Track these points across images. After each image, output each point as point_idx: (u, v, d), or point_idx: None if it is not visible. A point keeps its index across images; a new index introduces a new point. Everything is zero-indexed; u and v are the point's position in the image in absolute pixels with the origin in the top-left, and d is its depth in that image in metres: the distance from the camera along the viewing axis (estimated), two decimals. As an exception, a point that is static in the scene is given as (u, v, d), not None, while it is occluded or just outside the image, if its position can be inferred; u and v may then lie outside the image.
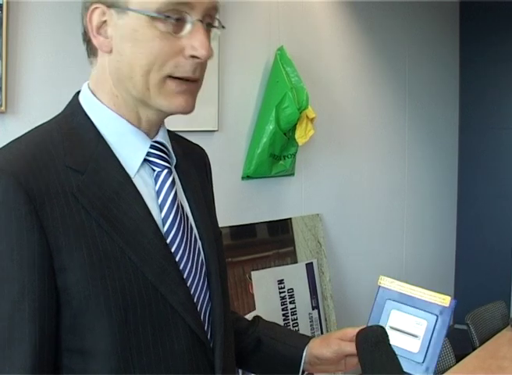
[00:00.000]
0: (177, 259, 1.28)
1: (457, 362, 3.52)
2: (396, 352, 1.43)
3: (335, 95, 4.77)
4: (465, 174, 6.54)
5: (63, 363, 1.19)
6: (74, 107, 1.29)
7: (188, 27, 1.21)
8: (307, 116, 4.01)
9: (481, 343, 3.85)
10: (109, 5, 1.21)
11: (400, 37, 5.52)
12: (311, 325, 4.24)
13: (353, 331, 1.52)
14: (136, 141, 1.28)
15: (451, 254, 6.52)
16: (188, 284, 1.29)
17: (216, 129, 3.68)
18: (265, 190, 4.19)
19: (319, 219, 4.58)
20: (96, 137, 1.24)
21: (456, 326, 6.09)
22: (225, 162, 3.85)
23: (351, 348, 1.49)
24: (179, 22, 1.21)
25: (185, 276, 1.28)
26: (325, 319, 4.40)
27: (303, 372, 1.59)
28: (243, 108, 3.90)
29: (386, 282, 1.58)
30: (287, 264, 4.25)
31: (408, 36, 5.62)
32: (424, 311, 1.52)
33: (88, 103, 1.28)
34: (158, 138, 1.32)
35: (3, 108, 2.67)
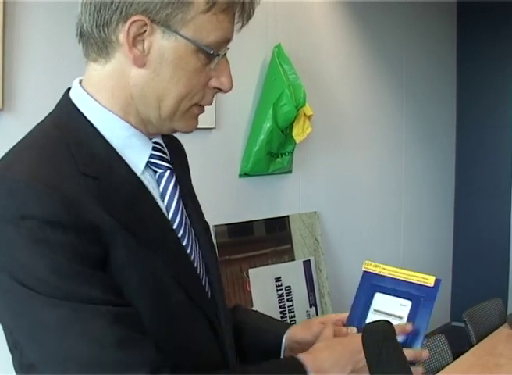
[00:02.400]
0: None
1: (454, 359, 3.52)
2: None
3: (332, 93, 4.77)
4: (462, 171, 6.55)
5: None
6: (69, 108, 1.26)
7: (217, 60, 1.23)
8: (304, 114, 4.01)
9: (478, 340, 3.85)
10: (157, 22, 1.17)
11: (397, 35, 5.53)
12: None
13: (335, 316, 1.56)
14: (140, 144, 1.27)
15: (448, 251, 6.53)
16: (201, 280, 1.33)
17: (213, 126, 3.68)
18: (263, 187, 4.19)
19: (317, 216, 4.58)
20: (103, 143, 1.23)
21: (454, 323, 6.13)
22: (222, 159, 3.86)
23: (332, 331, 1.49)
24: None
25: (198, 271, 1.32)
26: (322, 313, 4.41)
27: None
28: (241, 105, 3.90)
29: (370, 266, 1.55)
30: (284, 262, 4.26)
31: (406, 35, 5.63)
32: (409, 292, 1.51)
33: (85, 105, 1.25)
34: (156, 139, 1.32)
35: (0, 105, 2.67)
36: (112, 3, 1.17)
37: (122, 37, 1.18)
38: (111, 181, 1.19)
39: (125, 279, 1.15)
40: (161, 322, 1.20)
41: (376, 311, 1.50)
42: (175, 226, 1.29)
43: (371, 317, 1.49)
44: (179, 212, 1.30)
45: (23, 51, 2.79)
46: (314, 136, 4.33)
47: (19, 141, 1.24)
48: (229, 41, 1.24)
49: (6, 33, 2.69)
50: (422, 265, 5.72)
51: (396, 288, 1.52)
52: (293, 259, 4.32)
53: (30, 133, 1.25)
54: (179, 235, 1.29)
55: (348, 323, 1.50)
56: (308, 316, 4.29)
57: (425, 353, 1.43)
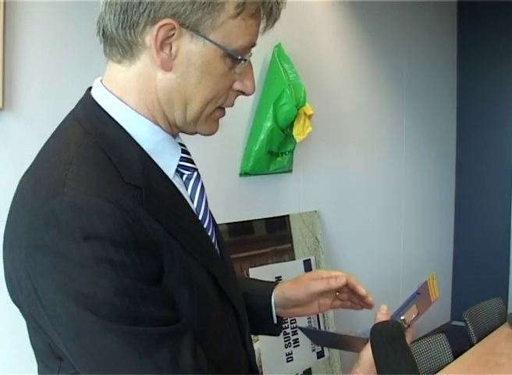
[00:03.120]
0: None
1: (455, 358, 3.53)
2: None
3: (333, 92, 4.77)
4: (462, 171, 6.56)
5: None
6: (96, 111, 1.22)
7: (242, 65, 1.24)
8: (304, 113, 4.01)
9: (479, 339, 3.87)
10: (186, 26, 1.16)
11: (398, 35, 5.53)
12: (308, 321, 4.24)
13: (326, 272, 1.61)
14: (171, 148, 1.27)
15: (449, 251, 6.53)
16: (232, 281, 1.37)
17: (214, 126, 3.68)
18: (263, 187, 4.19)
19: (317, 216, 4.58)
20: (135, 147, 1.20)
21: (454, 322, 6.13)
22: (222, 158, 3.85)
23: (323, 286, 1.55)
24: None
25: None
26: (323, 316, 4.41)
27: (278, 318, 1.62)
28: (241, 104, 3.87)
29: (431, 282, 1.65)
30: (285, 261, 4.25)
31: (406, 34, 5.63)
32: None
33: (114, 107, 1.22)
34: (179, 139, 1.32)
35: (0, 105, 2.67)
36: (139, 4, 1.15)
37: (149, 39, 1.16)
38: (151, 189, 1.17)
39: (176, 289, 1.14)
40: (203, 322, 1.20)
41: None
42: (205, 227, 1.30)
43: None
44: (208, 213, 1.32)
45: (24, 50, 2.78)
46: (315, 135, 4.33)
47: (48, 150, 1.21)
48: (254, 44, 1.25)
49: (7, 33, 2.68)
50: (422, 263, 5.72)
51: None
52: (294, 259, 4.32)
53: (58, 140, 1.22)
54: (209, 235, 1.31)
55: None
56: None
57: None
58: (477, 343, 3.82)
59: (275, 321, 1.62)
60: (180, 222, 1.20)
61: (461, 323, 4.09)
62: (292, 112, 3.88)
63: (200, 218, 1.29)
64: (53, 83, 2.84)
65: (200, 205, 1.30)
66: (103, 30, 1.21)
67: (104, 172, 1.13)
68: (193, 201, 1.30)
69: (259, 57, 4.02)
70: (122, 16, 1.17)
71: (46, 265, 1.05)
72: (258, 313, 1.60)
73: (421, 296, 1.55)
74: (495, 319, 4.24)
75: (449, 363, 3.45)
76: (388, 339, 1.34)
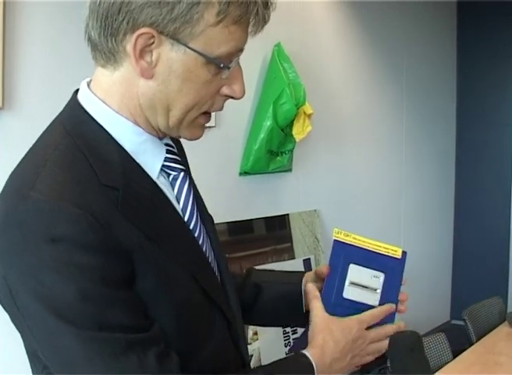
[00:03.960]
0: None
1: (454, 357, 3.53)
2: (357, 309, 1.47)
3: (332, 91, 4.77)
4: (462, 170, 6.57)
5: None
6: (80, 114, 1.23)
7: (227, 71, 1.22)
8: (304, 112, 4.02)
9: (478, 338, 3.87)
10: (166, 34, 1.15)
11: (397, 34, 5.54)
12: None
13: None
14: (154, 148, 1.26)
15: (448, 250, 6.54)
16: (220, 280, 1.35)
17: (213, 125, 3.68)
18: (263, 186, 4.19)
19: (317, 215, 4.59)
20: (116, 148, 1.20)
21: (454, 321, 6.13)
22: (222, 158, 3.86)
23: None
24: None
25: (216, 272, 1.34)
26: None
27: (306, 308, 1.60)
28: (241, 104, 3.86)
29: (341, 235, 1.54)
30: (284, 260, 4.26)
31: (406, 34, 5.64)
32: (381, 264, 1.52)
33: (96, 109, 1.22)
34: (166, 140, 1.31)
35: (0, 104, 2.67)
36: (119, 13, 1.14)
37: (129, 47, 1.16)
38: (130, 190, 1.17)
39: (153, 292, 1.14)
40: (183, 324, 1.20)
41: (352, 283, 1.51)
42: (191, 228, 1.29)
43: (349, 290, 1.50)
44: (194, 213, 1.31)
45: (24, 49, 2.79)
46: (314, 134, 4.33)
47: (29, 153, 1.22)
48: (241, 50, 1.23)
49: (6, 32, 2.69)
50: (422, 263, 5.73)
51: (368, 259, 1.52)
52: (293, 258, 4.32)
53: (40, 142, 1.23)
54: (196, 236, 1.30)
55: (325, 296, 1.50)
56: (308, 314, 4.30)
57: (402, 325, 1.46)
58: (476, 342, 3.83)
59: (305, 310, 1.59)
60: (160, 224, 1.20)
61: (461, 322, 4.09)
62: (292, 112, 3.89)
63: (186, 219, 1.29)
64: (53, 83, 2.85)
65: (187, 206, 1.29)
66: (88, 35, 1.21)
67: (78, 173, 1.14)
68: (179, 202, 1.29)
69: (259, 56, 4.03)
70: (102, 23, 1.16)
71: (16, 267, 1.08)
72: (287, 302, 1.59)
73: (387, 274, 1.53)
74: (494, 318, 4.24)
75: (448, 362, 3.45)
76: (406, 350, 1.33)
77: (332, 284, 1.50)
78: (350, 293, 1.50)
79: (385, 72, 5.42)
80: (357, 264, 1.52)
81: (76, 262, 1.05)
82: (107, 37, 1.17)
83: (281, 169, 4.20)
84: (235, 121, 3.91)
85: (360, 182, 5.13)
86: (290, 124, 3.99)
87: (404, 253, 1.55)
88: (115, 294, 1.08)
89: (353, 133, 5.04)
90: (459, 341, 3.90)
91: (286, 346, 4.09)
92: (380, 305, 1.49)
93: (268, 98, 3.93)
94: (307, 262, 4.39)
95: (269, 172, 4.12)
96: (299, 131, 4.03)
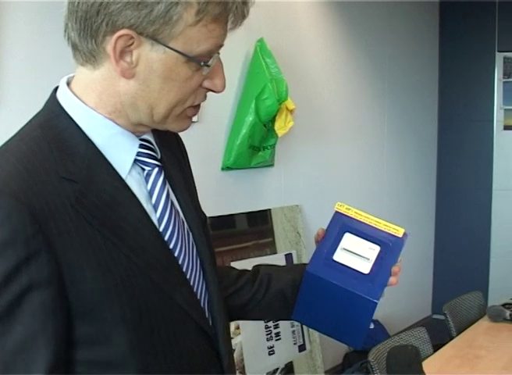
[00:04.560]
0: (175, 256, 1.29)
1: (435, 351, 3.55)
2: (346, 273, 1.46)
3: (314, 87, 4.79)
4: (443, 165, 6.61)
5: None
6: (55, 108, 1.24)
7: (208, 68, 1.22)
8: (286, 108, 4.03)
9: (459, 332, 3.89)
10: (145, 35, 1.15)
11: (380, 31, 5.57)
12: (289, 315, 4.27)
13: None
14: (125, 142, 1.26)
15: (429, 245, 6.58)
16: (188, 279, 1.30)
17: (196, 120, 3.68)
18: (245, 181, 4.20)
19: (298, 210, 4.60)
20: (84, 141, 1.20)
21: (435, 316, 6.16)
22: (204, 153, 3.86)
23: None
24: None
25: (184, 271, 1.30)
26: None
27: None
28: (223, 99, 3.89)
29: (343, 208, 1.58)
30: (266, 255, 4.27)
31: (389, 30, 5.67)
32: (378, 238, 1.54)
33: (71, 105, 1.23)
34: (145, 136, 1.31)
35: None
36: (98, 14, 1.14)
37: (109, 49, 1.16)
38: (91, 184, 1.17)
39: (94, 295, 1.14)
40: (142, 325, 1.19)
41: (344, 249, 1.51)
42: (162, 227, 1.27)
43: (340, 254, 1.50)
44: (168, 209, 1.29)
45: (7, 45, 2.78)
46: (296, 130, 4.35)
47: (4, 143, 1.23)
48: (221, 46, 1.23)
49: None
50: (404, 258, 5.75)
51: (366, 232, 1.55)
52: (275, 253, 4.34)
53: (15, 134, 1.24)
54: (168, 234, 1.28)
55: (315, 255, 1.51)
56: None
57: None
58: (457, 336, 3.85)
59: None
60: (121, 221, 1.19)
61: (442, 317, 4.11)
62: (274, 107, 3.90)
63: (158, 214, 1.27)
64: (36, 78, 2.84)
65: (159, 201, 1.28)
66: (68, 35, 1.21)
67: (35, 165, 1.14)
68: (151, 197, 1.28)
69: (241, 52, 4.03)
70: (81, 25, 1.16)
71: None
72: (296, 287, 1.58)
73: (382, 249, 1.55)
74: (474, 312, 4.26)
75: (429, 356, 3.46)
76: (404, 364, 1.34)
77: (324, 247, 1.52)
78: (340, 257, 1.50)
79: (368, 68, 5.44)
80: (353, 234, 1.54)
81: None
82: (86, 38, 1.17)
83: (263, 164, 4.21)
84: (217, 116, 3.92)
85: (342, 177, 5.15)
86: (272, 119, 4.00)
87: (406, 234, 1.58)
88: (30, 312, 1.10)
89: (335, 129, 5.06)
90: (440, 335, 3.93)
91: (268, 340, 4.11)
92: (370, 274, 1.48)
93: (251, 94, 3.94)
94: (288, 257, 4.41)
95: (251, 167, 4.13)
96: (281, 126, 4.04)
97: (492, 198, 6.35)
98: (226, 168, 4.02)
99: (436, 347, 3.61)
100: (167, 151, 1.40)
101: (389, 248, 1.54)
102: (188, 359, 1.27)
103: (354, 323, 1.48)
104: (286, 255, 4.39)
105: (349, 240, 1.53)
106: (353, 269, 1.48)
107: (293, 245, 4.47)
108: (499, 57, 6.22)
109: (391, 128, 5.80)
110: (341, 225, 1.55)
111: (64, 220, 1.12)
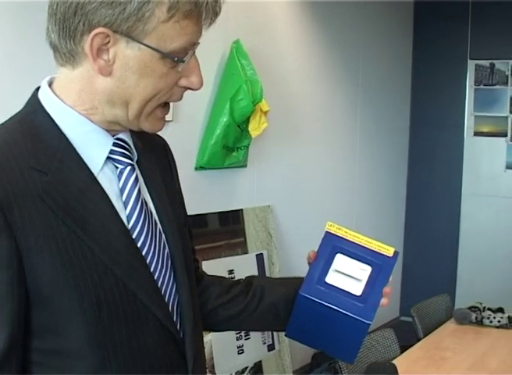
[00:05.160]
0: (143, 254, 1.30)
1: (402, 352, 3.60)
2: (339, 294, 1.48)
3: (288, 89, 4.82)
4: (414, 169, 6.67)
5: (37, 364, 1.21)
6: (35, 105, 1.28)
7: (182, 65, 1.25)
8: (260, 109, 4.05)
9: (426, 334, 3.94)
10: (120, 32, 1.19)
11: (354, 35, 5.60)
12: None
13: None
14: (99, 139, 1.29)
15: (398, 248, 6.59)
16: (155, 278, 1.32)
17: (171, 119, 3.69)
18: (218, 181, 4.22)
19: (270, 210, 4.63)
20: (58, 136, 1.25)
21: (402, 318, 6.22)
22: (178, 152, 3.80)
23: None
24: None
25: (152, 270, 1.31)
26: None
27: None
28: (198, 99, 3.91)
29: (333, 228, 1.59)
30: (238, 255, 4.29)
31: (363, 34, 5.71)
32: (369, 258, 1.55)
33: (49, 102, 1.28)
34: (120, 135, 1.34)
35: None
36: (75, 15, 1.19)
37: (86, 47, 1.20)
38: (61, 176, 1.21)
39: (53, 286, 1.17)
40: (101, 319, 1.21)
41: (337, 271, 1.53)
42: (131, 225, 1.30)
43: (332, 276, 1.52)
44: (138, 207, 1.31)
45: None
46: (270, 131, 4.38)
47: None
48: (195, 43, 1.26)
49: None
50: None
51: (357, 253, 1.55)
52: (246, 252, 4.36)
53: None
54: (136, 232, 1.30)
55: (308, 278, 1.53)
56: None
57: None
58: (424, 338, 3.90)
59: None
60: (86, 214, 1.22)
61: (409, 319, 4.15)
62: (248, 108, 3.93)
63: (127, 212, 1.30)
64: (16, 77, 2.85)
65: (129, 198, 1.31)
66: (49, 37, 1.26)
67: (6, 155, 1.19)
68: (122, 194, 1.31)
69: (217, 52, 4.05)
70: (60, 26, 1.21)
71: None
72: (289, 301, 1.59)
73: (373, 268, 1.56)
74: (441, 314, 4.32)
75: (396, 357, 3.50)
76: None
77: (316, 269, 1.54)
78: (332, 279, 1.52)
79: (342, 70, 5.49)
80: (344, 255, 1.55)
81: None
82: (65, 39, 1.22)
83: (236, 164, 4.24)
84: (192, 116, 3.94)
85: (313, 179, 5.19)
86: (246, 120, 4.03)
87: (396, 252, 1.59)
88: None
89: (307, 131, 5.09)
90: (407, 337, 3.97)
91: (237, 339, 4.13)
92: (362, 295, 1.50)
93: (226, 95, 3.97)
94: (259, 257, 4.44)
95: (225, 167, 4.16)
96: (255, 128, 4.07)
97: (461, 203, 6.42)
98: (200, 167, 4.04)
99: (403, 348, 3.66)
100: (150, 156, 1.43)
101: (380, 268, 1.55)
102: (150, 358, 1.28)
103: (347, 341, 1.51)
104: (257, 255, 4.42)
105: (340, 261, 1.55)
106: (346, 291, 1.51)
107: (264, 245, 4.50)
108: (471, 64, 6.30)
109: (363, 131, 5.85)
110: (332, 246, 1.56)
111: (28, 208, 1.15)
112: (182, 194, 1.59)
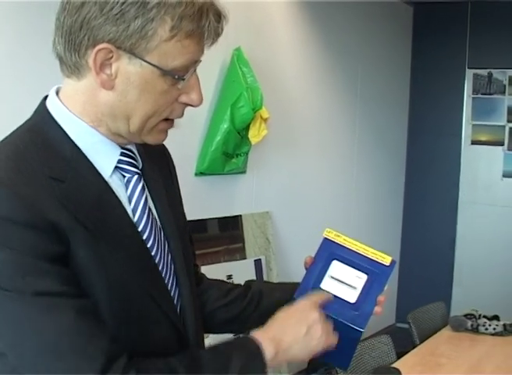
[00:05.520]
0: (152, 256, 1.36)
1: (398, 358, 3.61)
2: (333, 301, 1.49)
3: (288, 97, 4.85)
4: (412, 177, 6.71)
5: None
6: (44, 116, 1.32)
7: (183, 83, 1.29)
8: (261, 116, 4.09)
9: (422, 341, 3.96)
10: (123, 49, 1.23)
11: (353, 44, 5.65)
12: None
13: None
14: (108, 150, 1.33)
15: (395, 256, 6.59)
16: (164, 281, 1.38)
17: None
18: (217, 187, 4.25)
19: (269, 216, 4.66)
20: (70, 146, 1.29)
21: (398, 324, 6.24)
22: (178, 158, 3.83)
23: None
24: None
25: (159, 272, 1.37)
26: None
27: None
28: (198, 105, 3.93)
29: (331, 234, 1.60)
30: (236, 260, 4.32)
31: (362, 43, 5.75)
32: (366, 266, 1.56)
33: (59, 113, 1.31)
34: (129, 145, 1.38)
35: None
36: (81, 29, 1.23)
37: (90, 61, 1.24)
38: (77, 184, 1.25)
39: (85, 274, 1.21)
40: (119, 318, 1.26)
41: (332, 277, 1.54)
42: (140, 229, 1.35)
43: (327, 282, 1.53)
44: (146, 214, 1.36)
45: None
46: (269, 138, 4.41)
47: None
48: (196, 61, 1.30)
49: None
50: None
51: (354, 260, 1.56)
52: (245, 258, 4.39)
53: (5, 138, 1.32)
54: (145, 237, 1.35)
55: (303, 284, 1.54)
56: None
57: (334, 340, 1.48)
58: (419, 344, 3.92)
59: None
60: (104, 217, 1.27)
61: (405, 325, 4.16)
62: (249, 115, 3.96)
63: (135, 219, 1.34)
64: (15, 85, 2.88)
65: (137, 206, 1.35)
66: (55, 49, 1.30)
67: (25, 165, 1.22)
68: (130, 202, 1.36)
69: (218, 60, 4.08)
70: (66, 39, 1.26)
71: None
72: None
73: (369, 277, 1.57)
74: (437, 321, 4.33)
75: (392, 363, 3.52)
76: None
77: (312, 274, 1.55)
78: (327, 285, 1.53)
79: (341, 79, 5.52)
80: (341, 262, 1.57)
81: (7, 235, 1.15)
82: (70, 51, 1.26)
83: (236, 170, 4.27)
84: (192, 122, 3.96)
85: (312, 186, 5.22)
86: (247, 127, 4.06)
87: (393, 262, 1.60)
88: (45, 266, 1.16)
89: (306, 138, 5.13)
90: (403, 343, 3.98)
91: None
92: (356, 303, 1.51)
93: (226, 101, 4.00)
94: (258, 263, 4.46)
95: (224, 173, 4.19)
96: (255, 134, 4.10)
97: (457, 211, 6.46)
98: (200, 173, 4.07)
99: (400, 354, 3.67)
100: (152, 164, 1.48)
101: (376, 276, 1.56)
102: (159, 355, 1.30)
103: (341, 347, 1.50)
104: (255, 260, 4.45)
105: (336, 268, 1.56)
106: (340, 298, 1.52)
107: (262, 251, 4.53)
108: (469, 73, 6.35)
109: (361, 139, 5.88)
110: (329, 252, 1.58)
111: (54, 213, 1.19)
112: (182, 201, 1.64)
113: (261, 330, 1.40)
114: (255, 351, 1.33)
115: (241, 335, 1.46)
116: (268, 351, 1.34)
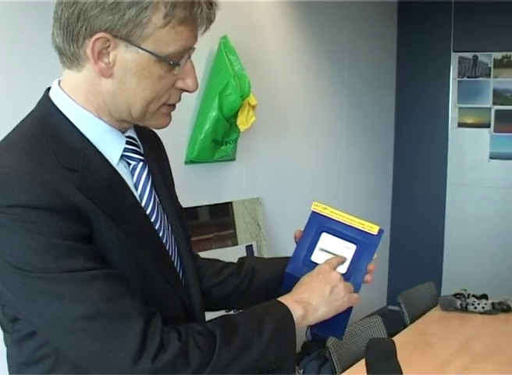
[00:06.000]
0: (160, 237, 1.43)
1: (389, 338, 3.66)
2: None
3: (276, 84, 4.89)
4: (400, 160, 6.76)
5: None
6: (49, 107, 1.36)
7: (178, 68, 1.34)
8: (249, 104, 4.12)
9: (412, 321, 4.01)
10: (119, 37, 1.27)
11: (340, 30, 5.67)
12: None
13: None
14: (114, 139, 1.38)
15: (385, 238, 6.70)
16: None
17: (161, 114, 3.74)
18: (207, 174, 4.29)
19: (259, 202, 4.70)
20: (79, 137, 1.33)
21: (390, 307, 6.30)
22: (168, 146, 3.87)
23: None
24: None
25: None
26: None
27: None
28: (187, 94, 3.94)
29: (319, 208, 1.65)
30: (228, 246, 4.37)
31: (348, 29, 5.78)
32: (354, 237, 1.61)
33: (64, 104, 1.36)
34: (129, 133, 1.44)
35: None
36: (78, 20, 1.27)
37: (88, 51, 1.29)
38: (89, 172, 1.30)
39: (107, 253, 1.28)
40: (139, 294, 1.31)
41: (322, 250, 1.59)
42: (148, 212, 1.41)
43: (317, 255, 1.58)
44: (152, 200, 1.43)
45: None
46: (258, 125, 4.44)
47: (3, 139, 1.34)
48: (190, 48, 1.35)
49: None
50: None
51: (342, 231, 1.61)
52: (236, 244, 4.43)
53: (13, 130, 1.36)
54: (152, 220, 1.41)
55: (294, 257, 1.60)
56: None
57: (358, 298, 1.55)
58: (410, 324, 3.98)
59: None
60: (116, 202, 1.32)
61: (397, 308, 4.21)
62: (237, 103, 3.99)
63: (143, 204, 1.41)
64: (12, 80, 2.90)
65: (144, 192, 1.42)
66: (54, 41, 1.35)
67: (39, 156, 1.27)
68: (137, 189, 1.42)
69: (205, 48, 4.10)
70: (64, 30, 1.30)
71: None
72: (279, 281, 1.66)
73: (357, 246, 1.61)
74: (427, 302, 4.38)
75: (383, 343, 3.58)
76: (382, 355, 1.45)
77: (302, 248, 1.61)
78: (318, 257, 1.58)
79: (328, 65, 5.55)
80: (329, 233, 1.62)
81: (33, 221, 1.19)
82: (69, 42, 1.31)
83: (225, 158, 4.30)
84: (181, 111, 3.94)
85: (300, 171, 5.26)
86: (235, 115, 4.09)
87: (381, 230, 1.64)
88: (73, 245, 1.22)
89: (295, 124, 5.16)
90: (394, 325, 4.03)
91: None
92: (347, 273, 1.56)
93: (214, 90, 4.03)
94: (249, 249, 4.50)
95: (214, 161, 4.22)
96: (243, 122, 4.13)
97: (446, 193, 6.53)
98: (190, 161, 4.11)
99: (391, 336, 3.72)
100: (148, 149, 1.53)
101: (365, 246, 1.61)
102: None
103: (335, 318, 1.52)
104: (246, 246, 4.49)
105: (326, 239, 1.61)
106: None
107: (253, 237, 4.57)
108: (455, 57, 6.39)
109: (349, 124, 5.92)
110: (318, 225, 1.62)
111: (74, 196, 1.25)
112: (174, 186, 1.69)
113: (287, 295, 1.46)
114: (286, 313, 1.40)
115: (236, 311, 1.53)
116: (297, 312, 1.41)
